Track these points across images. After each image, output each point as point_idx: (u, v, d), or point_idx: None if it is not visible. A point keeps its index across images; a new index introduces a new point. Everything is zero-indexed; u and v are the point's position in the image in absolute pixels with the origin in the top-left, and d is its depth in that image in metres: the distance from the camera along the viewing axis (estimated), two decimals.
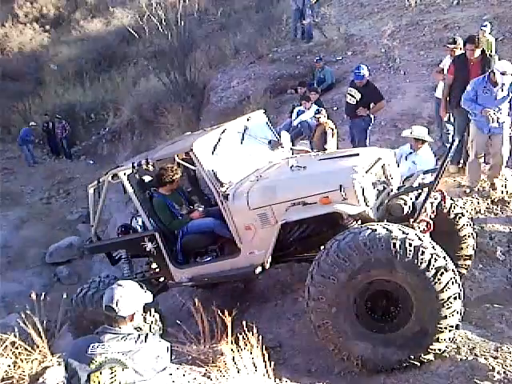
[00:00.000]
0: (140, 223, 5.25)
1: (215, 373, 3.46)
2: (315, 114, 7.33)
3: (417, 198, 4.42)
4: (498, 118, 5.33)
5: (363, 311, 3.89)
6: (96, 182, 5.22)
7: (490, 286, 4.99)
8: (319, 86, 9.40)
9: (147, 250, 4.94)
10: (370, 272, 3.74)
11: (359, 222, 4.28)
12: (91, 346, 2.40)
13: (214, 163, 4.61)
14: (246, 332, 3.35)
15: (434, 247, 3.70)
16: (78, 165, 15.12)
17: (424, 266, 3.60)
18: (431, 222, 4.32)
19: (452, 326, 3.68)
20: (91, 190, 5.35)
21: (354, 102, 6.89)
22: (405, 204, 4.25)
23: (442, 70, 6.71)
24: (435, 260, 3.62)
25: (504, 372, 3.53)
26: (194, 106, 12.11)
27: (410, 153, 5.81)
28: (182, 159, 5.69)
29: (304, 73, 11.06)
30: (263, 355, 3.35)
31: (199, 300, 4.22)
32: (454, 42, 6.52)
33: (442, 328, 3.65)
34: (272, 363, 3.48)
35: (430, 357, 3.74)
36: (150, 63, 14.96)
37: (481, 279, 5.06)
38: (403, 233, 3.72)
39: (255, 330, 3.39)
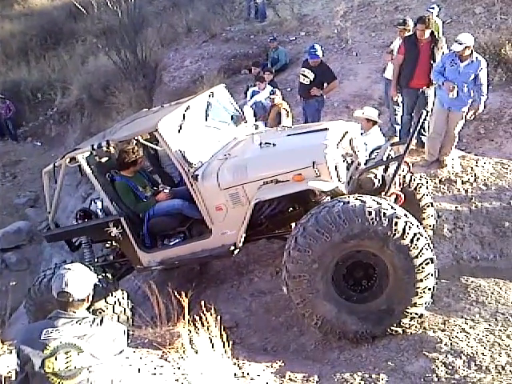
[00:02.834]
0: (99, 207, 5.05)
1: (173, 355, 3.46)
2: (270, 94, 7.31)
3: (385, 172, 4.47)
4: (457, 92, 5.53)
5: (339, 276, 3.91)
6: (52, 166, 4.97)
7: (437, 262, 5.18)
8: (273, 67, 9.38)
9: (112, 235, 4.79)
10: (349, 243, 3.73)
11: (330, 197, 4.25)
12: (45, 331, 2.34)
13: (180, 143, 4.46)
14: (203, 313, 3.36)
15: (406, 215, 3.76)
16: (24, 147, 14.52)
17: (400, 233, 3.65)
18: (401, 194, 4.38)
19: (429, 288, 3.77)
20: (46, 175, 5.10)
21: (308, 82, 6.92)
22: (375, 177, 4.30)
23: (392, 51, 6.83)
24: (409, 228, 3.68)
25: (451, 344, 3.69)
26: (146, 86, 11.84)
27: (361, 133, 5.92)
28: (146, 140, 5.52)
29: (258, 53, 11.00)
30: (221, 335, 3.37)
31: (155, 283, 4.20)
32: (404, 24, 6.66)
33: (419, 291, 3.73)
34: (229, 343, 3.51)
35: (399, 329, 3.83)
36: (99, 41, 14.44)
37: None
38: (377, 203, 3.75)
39: (212, 311, 3.40)
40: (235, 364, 3.73)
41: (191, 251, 4.63)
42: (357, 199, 3.81)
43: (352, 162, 4.55)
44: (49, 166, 5.09)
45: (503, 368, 3.45)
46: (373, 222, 3.67)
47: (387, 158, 4.60)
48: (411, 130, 4.40)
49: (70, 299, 2.38)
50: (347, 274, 3.97)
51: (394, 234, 3.66)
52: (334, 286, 3.89)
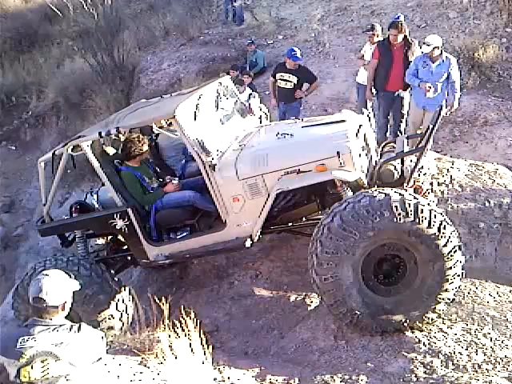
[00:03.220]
0: (95, 199, 4.87)
1: (152, 360, 3.42)
2: (249, 97, 7.32)
3: (401, 164, 4.45)
4: (434, 91, 5.69)
5: (369, 270, 3.89)
6: (49, 155, 4.72)
7: None
8: (251, 70, 9.39)
9: (117, 228, 4.57)
10: (378, 237, 3.71)
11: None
12: (20, 339, 2.29)
13: (196, 131, 4.31)
14: (183, 318, 3.33)
15: (430, 204, 3.76)
16: None
17: (427, 223, 3.64)
18: (422, 185, 4.41)
19: (458, 275, 3.79)
20: (42, 164, 4.86)
21: (292, 86, 6.92)
22: (395, 169, 4.30)
23: (363, 56, 6.91)
24: (435, 216, 3.68)
25: (429, 344, 3.74)
26: (124, 89, 11.72)
27: None
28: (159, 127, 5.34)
29: (236, 56, 11.00)
30: (201, 340, 3.35)
31: (134, 287, 4.17)
32: (372, 29, 6.78)
33: (449, 278, 3.75)
34: (210, 347, 3.50)
35: (434, 316, 3.87)
36: (76, 43, 14.24)
37: None
38: (403, 195, 3.74)
39: (192, 316, 3.37)
40: (215, 368, 3.71)
41: (203, 244, 4.49)
42: (386, 193, 3.77)
43: (366, 154, 4.52)
44: (45, 155, 4.87)
45: (479, 366, 3.51)
46: (400, 215, 3.64)
47: (408, 150, 4.52)
48: (433, 122, 4.30)
49: (44, 305, 2.34)
50: (376, 268, 3.94)
51: (421, 225, 3.65)
52: (364, 281, 3.87)
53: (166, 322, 3.44)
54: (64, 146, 4.61)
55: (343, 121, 4.55)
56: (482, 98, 7.99)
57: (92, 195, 4.96)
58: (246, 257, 5.54)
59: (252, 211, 4.26)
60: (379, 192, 3.79)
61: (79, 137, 4.68)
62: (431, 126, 4.28)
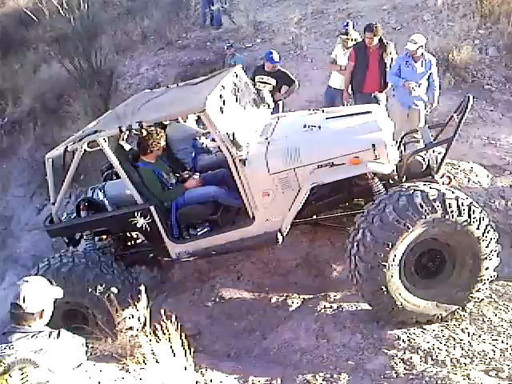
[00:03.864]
0: (101, 197, 4.71)
1: (133, 365, 3.41)
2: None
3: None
4: (418, 90, 5.85)
5: (412, 264, 3.94)
6: (60, 151, 4.51)
7: None
8: None
9: (138, 226, 4.43)
10: (426, 231, 3.76)
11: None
12: None
13: (225, 125, 4.19)
14: (164, 322, 3.33)
15: (468, 198, 3.86)
16: None
17: (465, 217, 3.72)
18: (451, 176, 4.51)
19: (495, 251, 3.88)
20: (50, 161, 4.62)
21: (270, 89, 6.95)
22: (423, 160, 4.33)
23: (334, 60, 6.93)
24: (473, 212, 3.76)
25: (408, 340, 3.81)
26: (102, 94, 11.62)
27: None
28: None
29: (215, 59, 10.99)
30: (182, 344, 3.35)
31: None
32: (346, 33, 6.87)
33: (488, 256, 3.83)
34: (192, 351, 3.50)
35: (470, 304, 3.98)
36: (52, 49, 14.08)
37: None
38: (452, 193, 3.81)
39: (173, 319, 3.37)
40: (198, 372, 3.71)
41: (229, 240, 4.41)
42: (431, 187, 3.83)
43: (392, 145, 4.50)
44: (53, 150, 4.71)
45: (458, 361, 3.58)
46: (453, 212, 3.70)
47: (434, 140, 4.59)
48: (459, 115, 4.34)
49: (22, 312, 2.33)
50: (417, 262, 3.97)
51: (470, 223, 3.74)
52: (408, 275, 3.92)
53: (148, 326, 3.43)
54: (79, 142, 4.40)
55: (369, 112, 4.53)
56: (457, 98, 8.11)
57: (96, 192, 4.79)
58: (227, 259, 5.54)
59: (281, 205, 4.22)
60: (430, 187, 3.83)
61: (95, 132, 4.44)
62: (460, 117, 4.28)
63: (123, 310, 4.10)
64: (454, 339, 3.80)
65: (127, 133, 4.64)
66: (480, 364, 3.56)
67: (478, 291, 3.95)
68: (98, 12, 13.55)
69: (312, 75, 9.49)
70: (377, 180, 4.23)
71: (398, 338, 3.83)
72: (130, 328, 4.15)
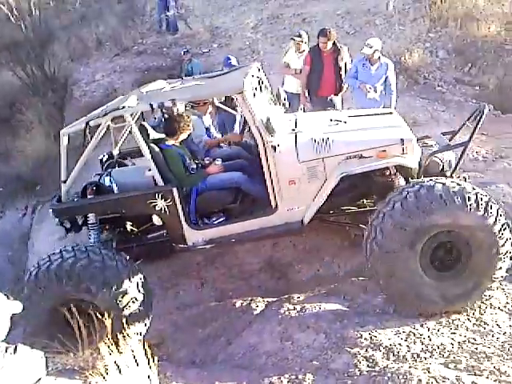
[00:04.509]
0: (108, 182, 4.53)
1: (96, 378, 3.34)
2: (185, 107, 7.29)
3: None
4: (374, 91, 6.05)
5: (427, 255, 3.98)
6: (78, 127, 4.34)
7: (355, 261, 5.42)
8: None
9: (157, 208, 4.27)
10: (442, 222, 3.84)
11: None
12: None
13: (259, 110, 4.20)
14: (126, 332, 3.28)
15: (486, 195, 3.94)
16: None
17: (487, 213, 3.82)
18: (466, 177, 4.65)
19: (510, 252, 3.96)
20: (65, 137, 4.43)
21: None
22: (440, 162, 4.48)
23: (288, 64, 7.02)
24: (491, 207, 3.86)
25: (370, 338, 3.87)
26: (56, 102, 11.38)
27: None
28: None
29: (172, 65, 10.95)
30: (145, 353, 3.30)
31: (75, 305, 4.03)
32: (300, 36, 6.98)
33: (502, 257, 3.92)
34: (155, 360, 3.45)
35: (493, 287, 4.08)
36: (3, 56, 13.69)
37: (347, 256, 5.47)
38: (473, 188, 3.91)
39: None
40: (162, 380, 3.67)
41: (248, 229, 4.37)
42: (452, 181, 3.97)
43: None
44: (69, 126, 4.51)
45: (418, 355, 3.67)
46: (472, 205, 3.79)
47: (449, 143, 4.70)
48: (475, 121, 4.45)
49: None
50: (434, 254, 4.02)
51: (487, 217, 3.83)
52: (423, 265, 3.96)
53: (110, 337, 3.37)
54: (104, 116, 4.23)
55: (391, 113, 4.83)
56: (411, 99, 8.38)
57: (103, 177, 4.62)
58: (190, 266, 5.52)
59: (306, 195, 4.26)
60: (451, 181, 3.97)
61: (118, 108, 4.25)
62: (476, 122, 4.41)
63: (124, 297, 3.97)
64: (414, 334, 3.89)
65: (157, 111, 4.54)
66: (439, 357, 3.65)
67: (489, 289, 4.08)
68: (50, 18, 13.25)
69: (269, 80, 9.56)
70: (399, 176, 4.37)
71: (361, 336, 3.89)
72: (135, 314, 4.05)
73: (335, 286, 4.90)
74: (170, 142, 4.53)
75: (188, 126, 4.50)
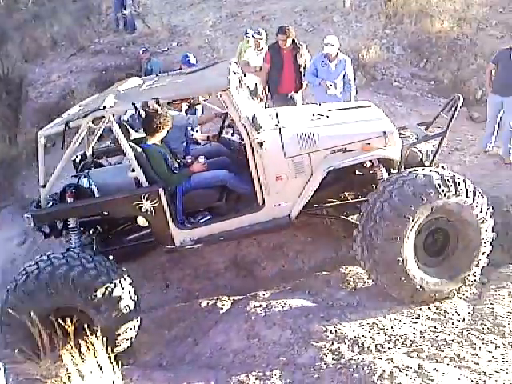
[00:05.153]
0: (86, 183, 4.40)
1: None
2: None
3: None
4: (334, 87, 6.17)
5: (421, 242, 4.17)
6: (57, 128, 4.21)
7: (319, 256, 5.50)
8: None
9: (142, 210, 4.19)
10: (436, 210, 4.01)
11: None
12: None
13: (243, 106, 4.20)
14: (89, 337, 3.22)
15: (475, 187, 4.17)
16: None
17: (472, 200, 4.06)
18: (445, 166, 4.78)
19: (491, 240, 4.22)
20: (42, 139, 4.28)
21: None
22: (419, 152, 4.60)
23: (248, 62, 7.07)
24: (478, 195, 4.12)
25: (335, 331, 3.93)
26: (11, 103, 11.01)
27: None
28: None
29: (130, 64, 10.79)
30: (109, 358, 3.26)
31: (36, 313, 3.94)
32: (259, 33, 7.02)
33: (485, 243, 4.18)
34: (121, 365, 3.41)
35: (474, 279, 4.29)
36: None
37: (311, 251, 5.54)
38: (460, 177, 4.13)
39: (99, 334, 3.27)
40: None
41: (236, 226, 4.37)
42: (443, 171, 4.18)
43: None
44: (47, 127, 4.36)
45: (382, 346, 3.75)
46: (458, 191, 4.02)
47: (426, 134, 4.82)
48: (452, 108, 4.61)
49: None
50: (425, 240, 4.20)
51: (472, 202, 4.07)
52: (417, 251, 4.14)
53: (72, 344, 3.30)
54: (84, 117, 4.09)
55: (369, 106, 4.90)
56: (369, 95, 8.52)
57: (81, 179, 4.47)
58: (153, 267, 5.46)
59: (292, 191, 4.30)
60: (443, 171, 4.19)
61: (99, 108, 4.11)
62: (451, 113, 4.56)
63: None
64: (378, 325, 3.97)
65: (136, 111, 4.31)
66: (402, 347, 3.74)
67: (473, 275, 4.26)
68: (2, 18, 12.87)
69: None
70: (382, 167, 4.44)
71: (326, 329, 3.94)
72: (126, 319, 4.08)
73: (300, 281, 4.95)
74: (151, 140, 4.44)
75: (168, 122, 4.40)
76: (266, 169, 4.24)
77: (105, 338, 3.44)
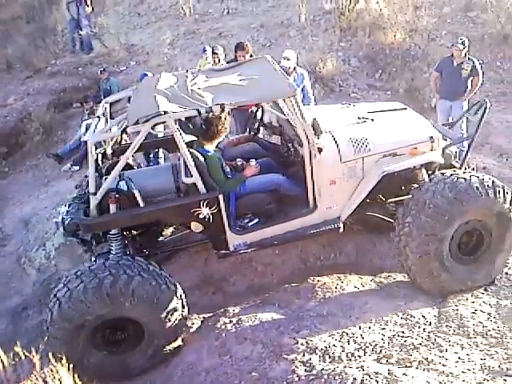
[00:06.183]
0: (124, 186, 4.26)
1: None
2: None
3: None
4: None
5: (456, 243, 4.42)
6: (111, 134, 4.22)
7: (287, 268, 5.52)
8: (106, 98, 9.17)
9: (200, 217, 4.18)
10: (473, 212, 4.29)
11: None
12: None
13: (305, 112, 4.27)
14: (54, 366, 3.13)
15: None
16: None
17: (509, 205, 4.35)
18: (474, 169, 5.01)
19: None
20: (93, 146, 4.13)
21: None
22: (451, 153, 4.86)
23: None
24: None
25: (306, 342, 3.95)
26: None
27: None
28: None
29: (88, 85, 10.66)
30: None
31: (2, 342, 3.82)
32: (217, 50, 7.13)
33: None
34: None
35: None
36: None
37: (279, 263, 5.56)
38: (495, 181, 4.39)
39: (64, 362, 3.19)
40: None
41: (289, 229, 4.45)
42: (484, 175, 4.42)
43: None
44: (96, 134, 4.35)
45: (352, 354, 3.79)
46: (500, 197, 4.28)
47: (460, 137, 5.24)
48: (479, 111, 4.87)
49: None
50: (459, 244, 4.43)
51: (509, 208, 4.37)
52: (452, 249, 4.38)
53: (37, 374, 3.20)
54: (144, 122, 3.93)
55: (405, 108, 5.08)
56: None
57: (121, 181, 4.31)
58: None
59: (343, 194, 4.42)
60: (484, 175, 4.45)
61: (164, 112, 3.95)
62: (480, 116, 4.83)
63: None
64: (347, 334, 4.01)
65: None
66: (372, 354, 3.79)
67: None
68: None
69: None
70: (423, 170, 4.59)
71: (297, 341, 3.95)
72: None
73: (270, 294, 4.95)
74: (208, 146, 4.40)
75: (226, 128, 4.37)
76: (321, 173, 4.34)
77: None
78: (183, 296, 4.26)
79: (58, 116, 10.02)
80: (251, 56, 6.46)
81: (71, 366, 3.23)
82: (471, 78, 6.91)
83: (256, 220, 4.51)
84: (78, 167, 8.37)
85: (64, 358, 3.29)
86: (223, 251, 4.48)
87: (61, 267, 6.22)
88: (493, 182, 4.36)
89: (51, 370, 3.14)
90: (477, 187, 4.25)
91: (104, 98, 9.10)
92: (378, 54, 9.59)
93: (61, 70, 11.22)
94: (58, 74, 11.13)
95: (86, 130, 8.13)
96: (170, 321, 4.10)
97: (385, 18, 9.96)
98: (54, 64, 11.51)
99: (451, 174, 4.38)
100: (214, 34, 10.82)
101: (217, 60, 6.97)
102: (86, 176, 6.22)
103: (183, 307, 4.24)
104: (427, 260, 4.30)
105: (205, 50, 7.85)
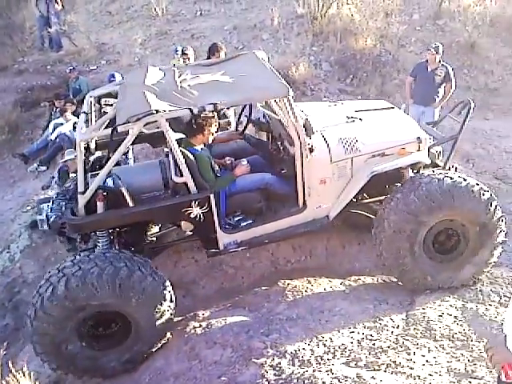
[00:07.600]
0: (111, 183, 4.20)
1: None
2: (74, 125, 7.03)
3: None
4: None
5: (430, 240, 4.46)
6: (100, 133, 4.12)
7: (257, 271, 5.52)
8: (75, 97, 9.01)
9: (191, 216, 4.17)
10: (461, 212, 4.34)
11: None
12: None
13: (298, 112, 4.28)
14: (14, 374, 3.03)
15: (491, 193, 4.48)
16: None
17: (486, 205, 4.34)
18: (457, 167, 5.03)
19: (501, 242, 4.53)
20: (82, 144, 4.07)
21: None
22: (436, 153, 4.94)
23: None
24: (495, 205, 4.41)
25: (275, 346, 3.93)
26: None
27: None
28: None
29: (57, 83, 10.42)
30: None
31: None
32: (187, 51, 7.08)
33: (496, 246, 4.50)
34: None
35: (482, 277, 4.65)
36: None
37: (250, 267, 5.55)
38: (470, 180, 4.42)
39: (26, 370, 3.08)
40: None
41: (278, 228, 4.48)
42: (460, 176, 4.44)
43: None
44: (86, 132, 4.18)
45: (322, 358, 3.79)
46: (476, 197, 4.31)
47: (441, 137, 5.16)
48: (463, 111, 4.99)
49: None
50: (434, 239, 4.47)
51: (488, 210, 4.35)
52: (426, 246, 4.42)
53: None
54: (135, 121, 3.84)
55: (392, 107, 5.13)
56: None
57: (108, 179, 4.23)
58: None
59: (332, 193, 4.47)
60: (468, 177, 4.51)
61: (151, 112, 3.87)
62: (465, 116, 4.90)
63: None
64: (317, 337, 4.02)
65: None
66: (341, 357, 3.80)
67: (492, 256, 4.56)
68: None
69: None
70: (409, 169, 4.67)
71: (266, 345, 3.93)
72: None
73: (240, 297, 4.94)
74: (197, 143, 4.40)
75: (216, 126, 4.41)
76: (311, 173, 4.37)
77: None
78: (173, 297, 4.27)
79: (25, 115, 9.78)
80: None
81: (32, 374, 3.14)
82: (444, 84, 7.05)
83: (250, 221, 4.52)
84: (45, 167, 8.18)
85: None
86: (213, 250, 4.48)
87: (26, 270, 6.04)
88: (491, 195, 4.44)
89: (15, 379, 3.04)
90: (472, 191, 4.34)
91: (73, 97, 9.00)
92: (349, 59, 9.68)
93: (28, 67, 10.96)
94: (25, 72, 10.86)
95: (54, 129, 7.95)
96: (160, 318, 4.12)
97: (356, 24, 10.06)
98: (22, 62, 11.23)
99: (428, 175, 4.47)
100: (187, 35, 10.75)
101: (187, 61, 6.93)
102: (53, 177, 6.18)
103: (173, 309, 4.27)
104: (400, 238, 4.36)
105: (176, 51, 7.80)
